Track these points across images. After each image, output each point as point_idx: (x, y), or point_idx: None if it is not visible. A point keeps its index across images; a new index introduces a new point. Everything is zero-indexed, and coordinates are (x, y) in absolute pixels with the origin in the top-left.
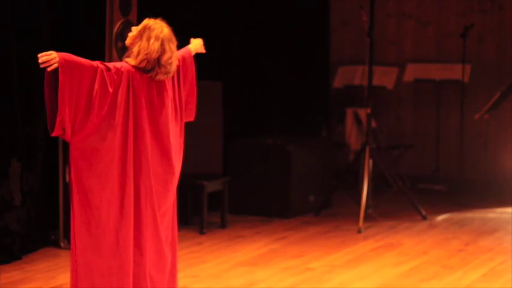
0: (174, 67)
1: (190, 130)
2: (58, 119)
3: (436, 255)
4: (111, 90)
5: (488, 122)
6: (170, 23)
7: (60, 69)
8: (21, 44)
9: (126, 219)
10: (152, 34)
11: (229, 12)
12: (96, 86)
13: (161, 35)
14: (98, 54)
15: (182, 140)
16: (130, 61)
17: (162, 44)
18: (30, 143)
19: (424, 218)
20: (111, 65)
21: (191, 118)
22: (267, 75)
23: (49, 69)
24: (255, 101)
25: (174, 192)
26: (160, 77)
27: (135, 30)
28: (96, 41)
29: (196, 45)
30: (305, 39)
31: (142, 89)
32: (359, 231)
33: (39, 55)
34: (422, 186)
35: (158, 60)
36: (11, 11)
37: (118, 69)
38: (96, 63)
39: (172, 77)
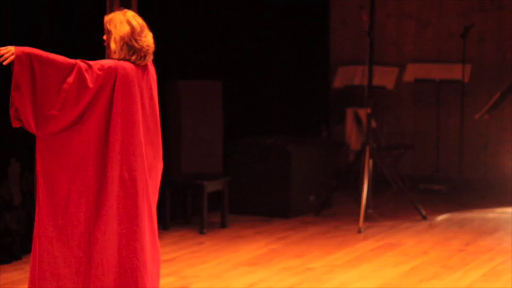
0: (150, 40)
1: (190, 130)
2: (12, 110)
3: (436, 255)
4: (91, 86)
5: (488, 122)
6: (170, 22)
7: (15, 61)
8: (21, 43)
9: (107, 215)
10: (116, 21)
11: (230, 12)
12: (69, 80)
13: (124, 18)
14: (98, 54)
15: None
16: (115, 56)
17: (129, 23)
18: (30, 143)
19: (424, 218)
20: (93, 62)
21: None
22: (267, 75)
23: (5, 63)
24: (255, 101)
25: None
26: (143, 55)
27: (105, 36)
28: (96, 40)
29: None
30: (305, 39)
31: (132, 81)
32: (359, 231)
33: None
34: (422, 186)
35: (134, 39)
36: (11, 10)
37: (102, 65)
38: (75, 60)
39: None
